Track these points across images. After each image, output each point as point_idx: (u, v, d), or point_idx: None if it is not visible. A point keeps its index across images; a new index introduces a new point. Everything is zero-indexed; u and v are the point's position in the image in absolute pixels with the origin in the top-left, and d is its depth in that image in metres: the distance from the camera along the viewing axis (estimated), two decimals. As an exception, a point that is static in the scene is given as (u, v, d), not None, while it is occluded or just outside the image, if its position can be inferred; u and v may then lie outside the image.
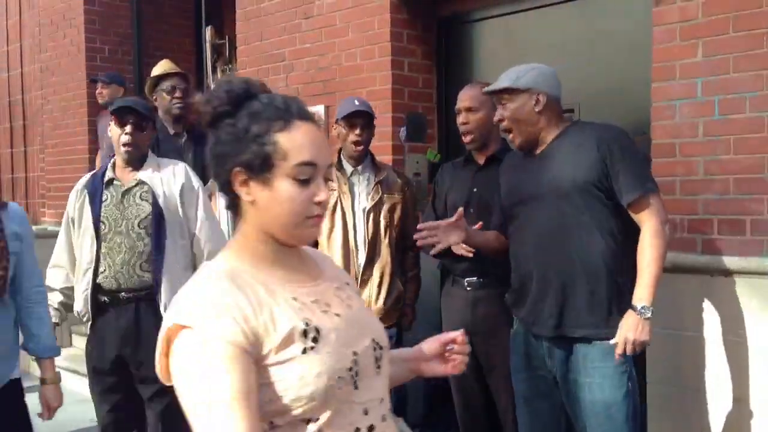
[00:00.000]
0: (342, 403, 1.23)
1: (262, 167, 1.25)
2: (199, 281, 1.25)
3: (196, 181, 3.13)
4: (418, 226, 2.87)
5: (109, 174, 3.06)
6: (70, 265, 3.12)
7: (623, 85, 3.53)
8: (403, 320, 3.42)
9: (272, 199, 1.25)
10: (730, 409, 2.87)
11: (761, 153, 2.80)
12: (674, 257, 2.81)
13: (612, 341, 2.40)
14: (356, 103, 3.32)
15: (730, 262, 2.84)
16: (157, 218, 2.98)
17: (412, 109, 4.25)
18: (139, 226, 2.97)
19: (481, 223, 2.91)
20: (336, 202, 3.27)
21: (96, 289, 2.98)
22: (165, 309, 2.97)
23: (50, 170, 6.81)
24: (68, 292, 3.10)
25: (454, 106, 3.16)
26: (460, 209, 2.79)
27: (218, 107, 1.27)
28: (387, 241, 3.28)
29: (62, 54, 6.61)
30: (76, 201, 3.09)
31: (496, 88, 2.60)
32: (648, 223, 2.42)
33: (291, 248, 1.33)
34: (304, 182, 1.25)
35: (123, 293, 2.96)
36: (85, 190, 3.08)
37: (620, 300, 2.45)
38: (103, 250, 2.98)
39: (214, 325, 1.15)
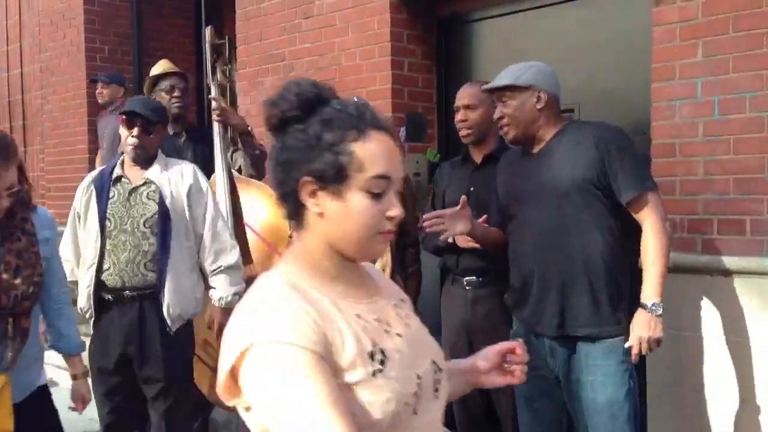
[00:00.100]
0: (402, 431, 1.16)
1: (335, 178, 1.18)
2: (264, 296, 1.18)
3: (204, 182, 3.13)
4: (424, 216, 2.84)
5: (117, 171, 3.06)
6: (75, 260, 3.13)
7: (623, 85, 3.52)
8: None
9: (343, 211, 1.19)
10: (730, 409, 2.87)
11: (761, 153, 2.80)
12: (674, 257, 2.80)
13: (627, 344, 2.40)
14: (356, 103, 3.31)
15: (730, 262, 2.84)
16: (163, 218, 2.98)
17: (412, 109, 4.25)
18: (144, 225, 2.97)
19: (485, 216, 2.90)
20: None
21: (100, 286, 2.98)
22: (168, 309, 2.98)
23: (50, 170, 6.80)
24: (72, 287, 3.08)
25: (453, 105, 3.16)
26: (464, 197, 2.77)
27: (287, 111, 1.21)
28: (387, 239, 3.27)
29: (62, 54, 6.60)
30: (83, 196, 3.10)
31: (498, 85, 2.59)
32: (648, 220, 2.42)
33: (353, 263, 1.27)
34: (377, 195, 1.19)
35: (127, 291, 2.97)
36: (93, 186, 3.08)
37: (620, 298, 2.45)
38: (107, 247, 2.98)
39: (292, 334, 1.10)
